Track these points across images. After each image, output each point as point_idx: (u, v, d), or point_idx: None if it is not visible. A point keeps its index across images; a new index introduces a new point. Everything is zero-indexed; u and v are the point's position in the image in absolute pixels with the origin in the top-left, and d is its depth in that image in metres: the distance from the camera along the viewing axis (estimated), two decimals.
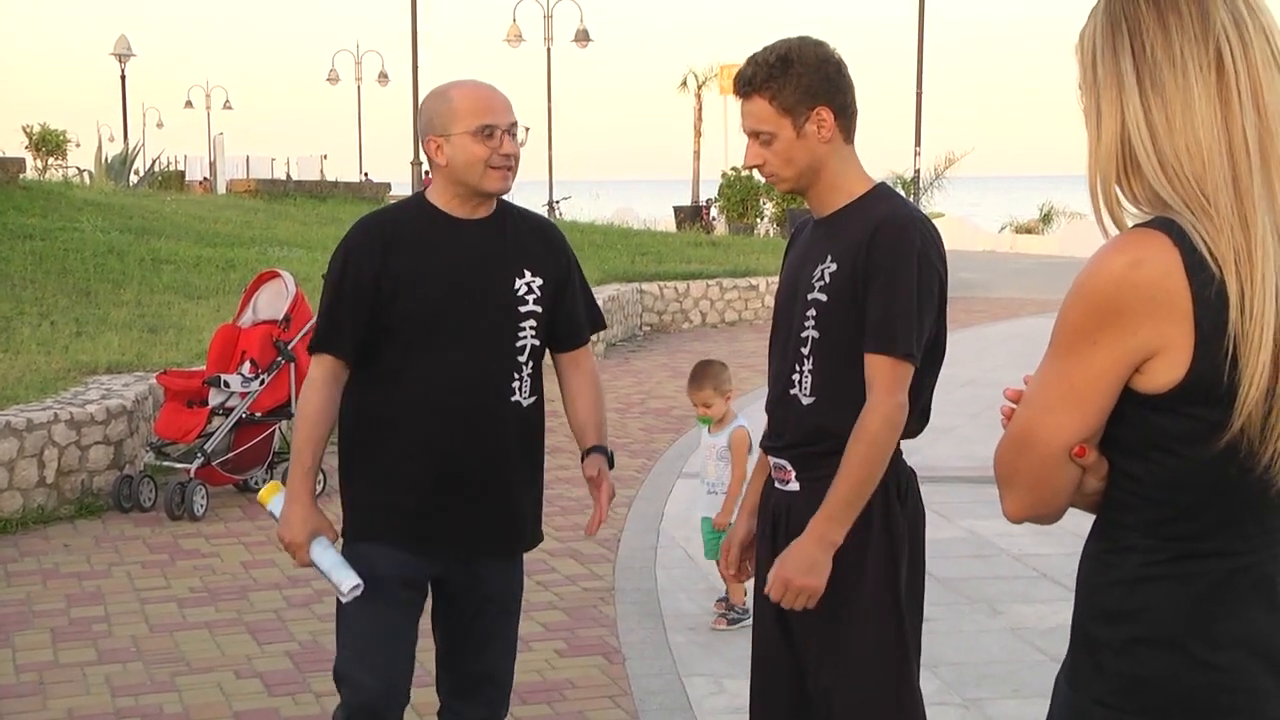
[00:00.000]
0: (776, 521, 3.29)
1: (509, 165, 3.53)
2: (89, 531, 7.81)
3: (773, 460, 3.32)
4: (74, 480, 8.12)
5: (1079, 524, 1.93)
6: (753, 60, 3.17)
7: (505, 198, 3.68)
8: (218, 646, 5.87)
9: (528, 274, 3.61)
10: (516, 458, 3.65)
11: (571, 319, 3.77)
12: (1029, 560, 6.95)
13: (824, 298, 3.14)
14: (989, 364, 14.08)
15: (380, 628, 3.59)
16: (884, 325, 3.06)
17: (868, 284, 3.07)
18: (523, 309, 3.61)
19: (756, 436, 3.73)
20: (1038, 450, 1.85)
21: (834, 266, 3.14)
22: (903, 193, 26.20)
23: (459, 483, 3.57)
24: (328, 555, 3.54)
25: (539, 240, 3.69)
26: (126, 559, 7.21)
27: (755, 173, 3.33)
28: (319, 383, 3.56)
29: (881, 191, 3.23)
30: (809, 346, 3.18)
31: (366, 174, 42.62)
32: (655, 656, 5.69)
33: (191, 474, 8.08)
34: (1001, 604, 6.31)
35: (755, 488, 3.45)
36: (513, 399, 3.60)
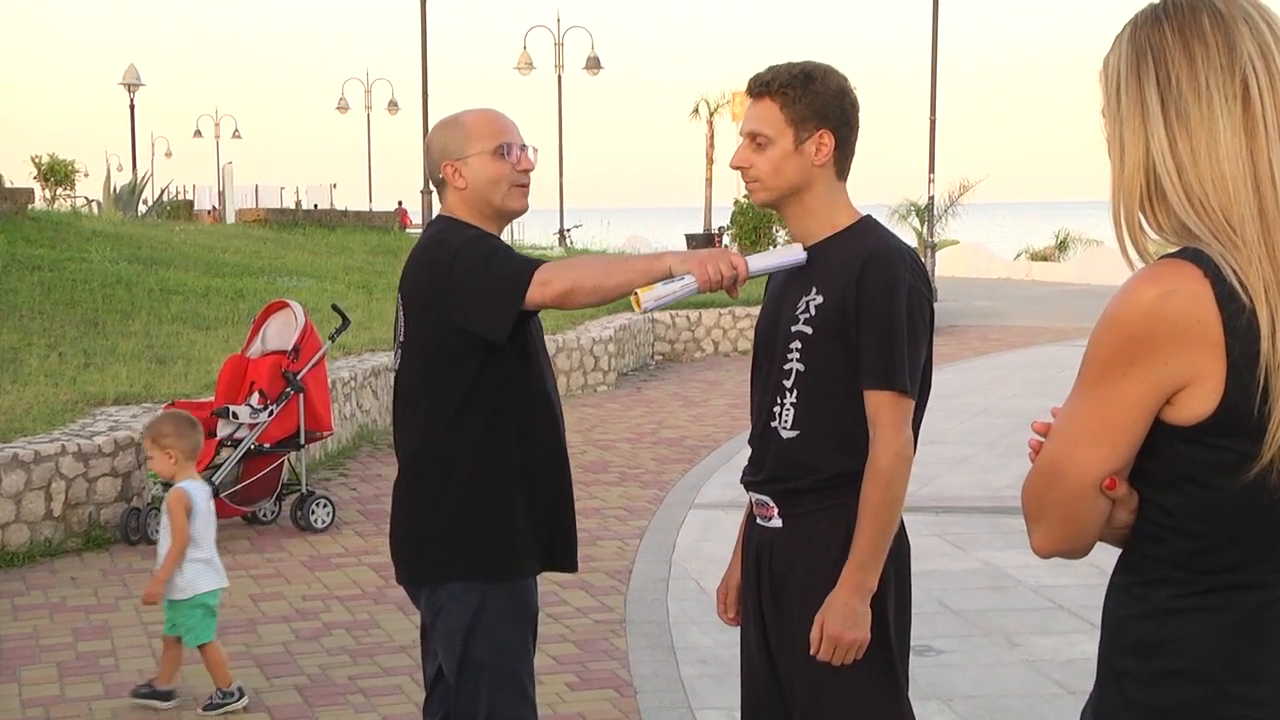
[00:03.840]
0: (760, 558, 3.26)
1: (527, 182, 3.59)
2: (96, 564, 7.80)
3: (754, 496, 3.29)
4: (81, 513, 8.12)
5: (1097, 555, 1.92)
6: (774, 67, 3.19)
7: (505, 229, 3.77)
8: None
9: None
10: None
11: None
12: (1046, 592, 6.91)
13: (809, 330, 3.13)
14: (1005, 392, 14.05)
15: (529, 677, 3.63)
16: (882, 361, 3.05)
17: (860, 319, 3.07)
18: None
19: None
20: (1067, 484, 1.84)
21: (820, 299, 3.13)
22: (917, 220, 26.15)
23: (568, 497, 3.70)
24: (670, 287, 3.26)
25: None
26: (134, 592, 7.19)
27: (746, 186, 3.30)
28: (552, 264, 3.40)
29: (867, 224, 3.22)
30: (792, 379, 3.16)
31: (400, 203, 42.55)
32: (667, 690, 5.66)
33: None
34: (1018, 636, 6.27)
35: (743, 528, 3.43)
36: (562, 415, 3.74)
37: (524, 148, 3.60)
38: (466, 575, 3.52)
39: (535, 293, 3.32)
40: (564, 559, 3.70)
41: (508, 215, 3.61)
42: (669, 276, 3.21)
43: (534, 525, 3.57)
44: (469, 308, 3.38)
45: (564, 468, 3.67)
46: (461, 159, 3.55)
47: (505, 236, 3.76)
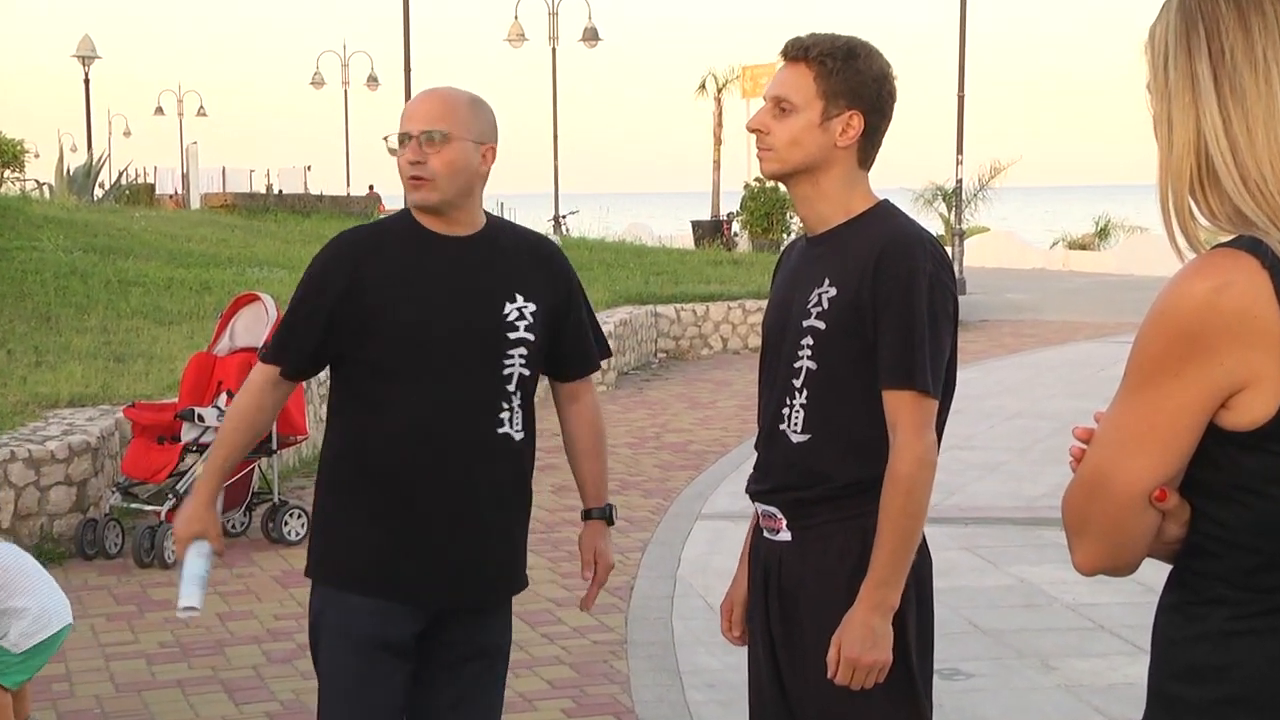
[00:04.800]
0: (768, 575, 3.26)
1: (418, 175, 3.56)
2: None
3: (760, 507, 3.28)
4: (32, 524, 8.12)
5: (1143, 571, 1.92)
6: (816, 34, 3.17)
7: (497, 213, 3.76)
8: (191, 707, 5.86)
9: (519, 298, 3.63)
10: (509, 493, 3.67)
11: (577, 348, 3.79)
12: (1085, 610, 6.91)
13: (821, 325, 3.12)
14: (1039, 394, 14.06)
15: (359, 708, 3.57)
16: (903, 359, 3.04)
17: (877, 313, 3.06)
18: (512, 335, 3.62)
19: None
20: (1113, 495, 1.83)
21: (833, 291, 3.11)
22: (944, 205, 26.13)
23: (446, 522, 3.58)
24: (193, 563, 3.60)
25: (534, 261, 3.71)
26: (90, 611, 7.20)
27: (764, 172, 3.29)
28: (254, 386, 3.72)
29: (885, 209, 3.21)
30: (802, 378, 3.15)
31: (371, 187, 42.56)
32: (672, 717, 5.67)
33: (162, 517, 8.08)
34: (1055, 659, 6.28)
35: (749, 540, 3.43)
36: (501, 430, 3.61)
37: (425, 135, 3.55)
38: (311, 574, 3.72)
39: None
40: (418, 589, 3.60)
41: (418, 209, 3.63)
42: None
43: (369, 544, 3.59)
44: None
45: (433, 492, 3.56)
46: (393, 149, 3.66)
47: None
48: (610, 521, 3.86)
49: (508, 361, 3.60)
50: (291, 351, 3.65)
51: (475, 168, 3.59)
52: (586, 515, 3.86)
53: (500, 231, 3.71)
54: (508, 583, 3.74)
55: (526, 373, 3.63)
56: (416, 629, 3.60)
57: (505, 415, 3.60)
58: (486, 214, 3.72)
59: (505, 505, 3.66)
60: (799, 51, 3.15)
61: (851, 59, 3.13)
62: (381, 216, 3.94)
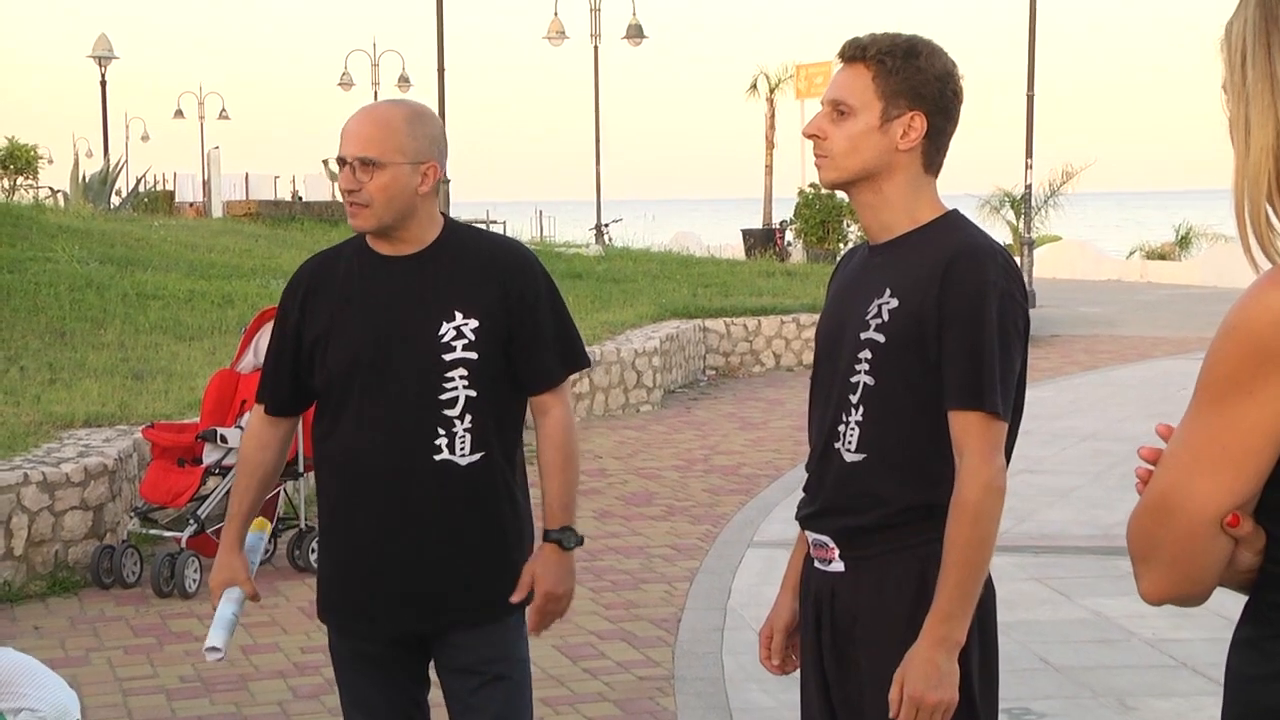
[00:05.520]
0: (820, 609, 3.27)
1: (354, 202, 3.70)
2: (63, 611, 7.87)
3: (811, 536, 3.29)
4: (46, 551, 8.19)
5: (1225, 604, 1.92)
6: (874, 34, 3.20)
7: (464, 221, 3.88)
8: None
9: (458, 316, 3.71)
10: (460, 519, 3.75)
11: (534, 361, 3.82)
12: (1165, 647, 6.88)
13: (881, 338, 3.13)
14: (1116, 414, 13.99)
15: (362, 711, 3.95)
16: (970, 377, 3.04)
17: (942, 329, 3.06)
18: (448, 357, 3.70)
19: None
20: (1182, 520, 1.83)
21: (894, 302, 3.12)
22: (1012, 213, 26.03)
23: (376, 551, 3.79)
24: (224, 608, 3.86)
25: (483, 275, 3.76)
26: (107, 643, 7.26)
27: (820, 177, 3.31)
28: (252, 428, 4.00)
29: (953, 219, 3.21)
30: (859, 394, 3.16)
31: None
32: None
33: (183, 544, 8.14)
34: (1133, 698, 6.25)
35: (795, 564, 3.43)
36: (439, 457, 3.71)
37: (355, 162, 3.66)
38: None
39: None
40: (356, 618, 3.91)
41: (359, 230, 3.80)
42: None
43: (328, 575, 3.96)
44: None
45: (366, 522, 3.79)
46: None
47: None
48: (566, 546, 3.85)
49: (447, 384, 3.70)
50: (269, 389, 3.93)
51: (413, 189, 3.70)
52: (544, 537, 3.88)
53: (451, 246, 3.79)
54: (461, 609, 3.82)
55: (474, 393, 3.71)
56: (387, 641, 3.90)
57: (443, 441, 3.71)
58: (452, 224, 3.83)
59: (455, 532, 3.76)
60: (856, 51, 3.17)
61: (912, 57, 3.14)
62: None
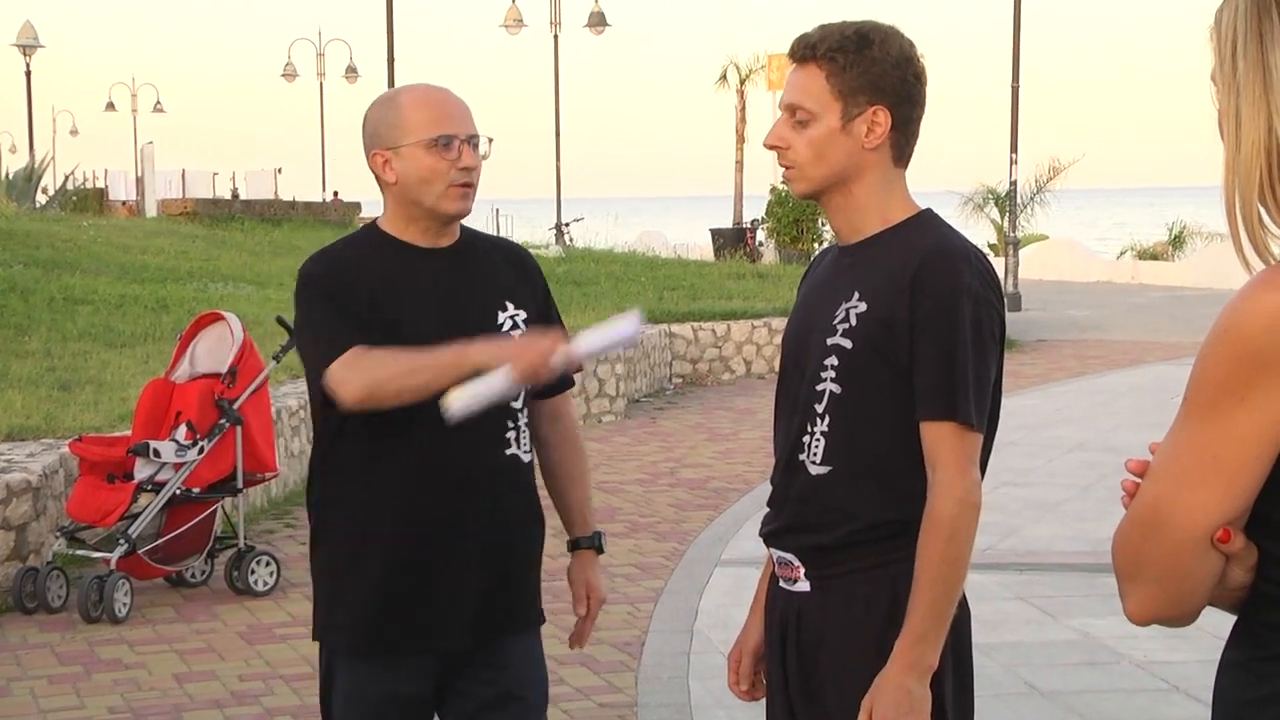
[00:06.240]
0: (785, 631, 3.26)
1: (469, 181, 3.65)
2: None
3: (775, 554, 3.29)
4: None
5: (1219, 624, 1.92)
6: (824, 27, 3.18)
7: (464, 221, 3.81)
8: None
9: (510, 306, 3.74)
10: (525, 518, 3.79)
11: None
12: (1156, 669, 6.90)
13: (848, 344, 3.13)
14: (1105, 424, 14.05)
15: None
16: (943, 386, 3.04)
17: (913, 334, 3.06)
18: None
19: None
20: (1170, 535, 1.84)
21: (862, 306, 3.12)
22: (996, 211, 26.16)
23: (466, 558, 3.69)
24: (492, 381, 3.40)
25: (514, 269, 3.83)
26: (30, 672, 7.21)
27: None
28: (360, 351, 3.50)
29: (926, 219, 3.21)
30: (825, 402, 3.16)
31: (336, 193, 42.78)
32: None
33: (112, 565, 8.09)
34: None
35: (765, 584, 3.43)
36: (509, 452, 3.72)
37: (470, 140, 3.65)
38: (322, 637, 3.79)
39: (331, 389, 3.52)
40: (436, 635, 3.73)
41: (442, 219, 3.69)
42: (479, 373, 3.38)
43: (377, 596, 3.69)
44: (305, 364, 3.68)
45: (450, 527, 3.68)
46: (394, 149, 3.64)
47: (487, 232, 3.84)
48: (600, 550, 3.94)
49: None
50: (356, 330, 3.54)
51: None
52: (575, 545, 3.94)
53: (473, 239, 3.83)
54: (525, 613, 3.86)
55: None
56: (432, 681, 3.73)
57: (511, 435, 3.72)
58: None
59: (523, 531, 3.79)
60: (806, 51, 3.16)
61: (865, 48, 3.12)
62: (359, 228, 3.95)
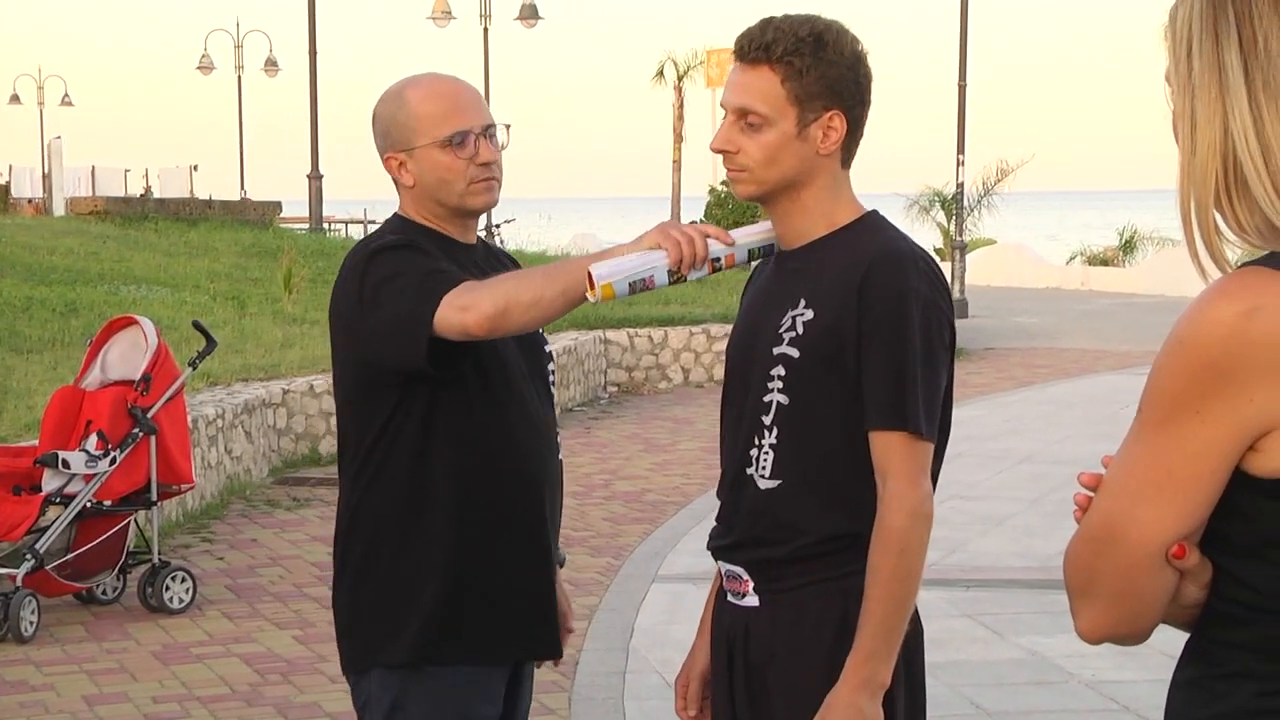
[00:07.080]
0: (732, 646, 3.27)
1: (492, 175, 3.64)
2: None
3: (723, 567, 3.29)
4: None
5: (1169, 642, 1.94)
6: (773, 24, 3.13)
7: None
8: None
9: None
10: (559, 521, 3.87)
11: None
12: (1107, 689, 6.95)
13: (795, 353, 3.13)
14: (1055, 435, 14.12)
15: None
16: (893, 396, 3.05)
17: (861, 341, 3.07)
18: (547, 347, 3.85)
19: None
20: (1124, 551, 1.85)
21: (809, 314, 3.13)
22: (943, 214, 26.28)
23: (548, 555, 3.75)
24: (648, 259, 3.24)
25: (515, 266, 3.87)
26: None
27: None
28: (473, 283, 3.41)
29: (872, 221, 3.22)
30: (772, 414, 3.16)
31: (245, 193, 42.65)
32: None
33: (18, 582, 8.02)
34: None
35: (713, 604, 3.43)
36: (561, 455, 3.85)
37: (485, 131, 3.61)
38: (387, 661, 3.61)
39: (454, 320, 3.32)
40: (534, 644, 3.77)
41: (470, 213, 3.69)
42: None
43: (464, 602, 3.62)
44: (374, 342, 3.49)
45: (527, 528, 3.69)
46: (408, 151, 3.61)
47: None
48: (561, 564, 3.95)
49: (551, 376, 3.83)
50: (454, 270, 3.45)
51: None
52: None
53: (480, 239, 3.89)
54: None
55: (554, 388, 3.87)
56: (502, 696, 3.72)
57: (559, 436, 3.83)
58: None
59: (556, 537, 3.84)
60: (759, 53, 3.12)
61: (821, 49, 3.10)
62: (391, 218, 3.86)
